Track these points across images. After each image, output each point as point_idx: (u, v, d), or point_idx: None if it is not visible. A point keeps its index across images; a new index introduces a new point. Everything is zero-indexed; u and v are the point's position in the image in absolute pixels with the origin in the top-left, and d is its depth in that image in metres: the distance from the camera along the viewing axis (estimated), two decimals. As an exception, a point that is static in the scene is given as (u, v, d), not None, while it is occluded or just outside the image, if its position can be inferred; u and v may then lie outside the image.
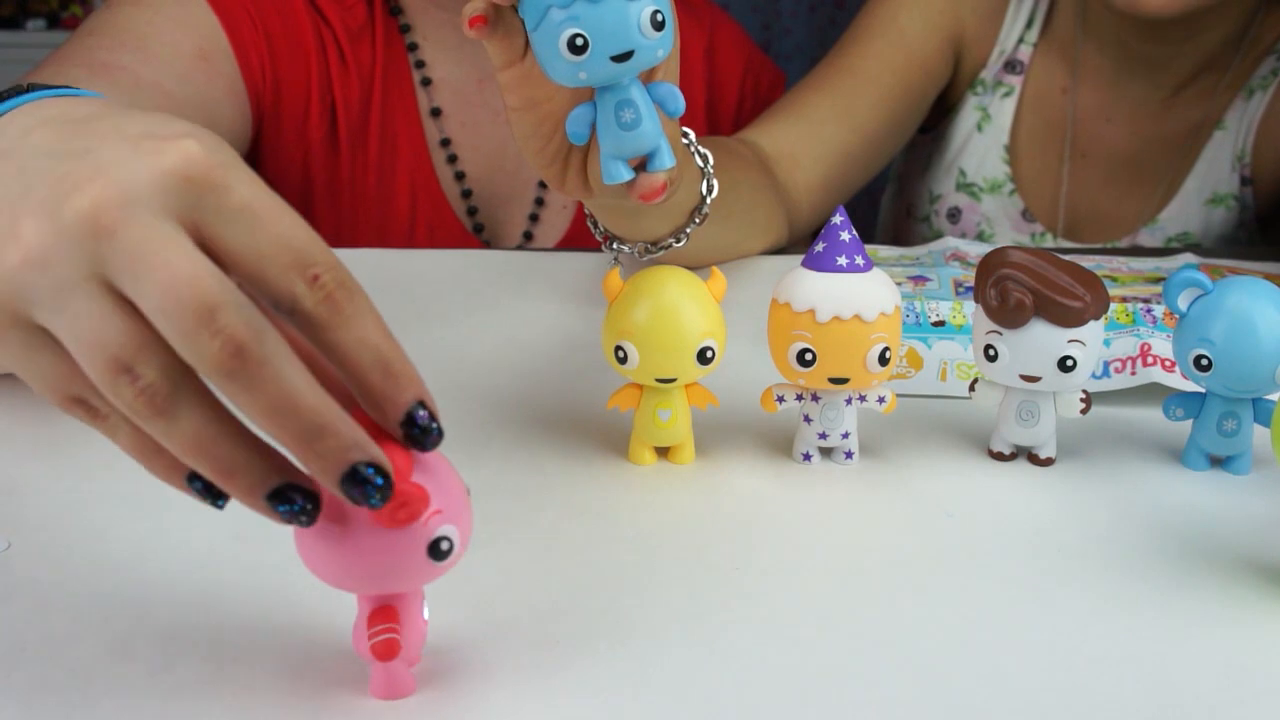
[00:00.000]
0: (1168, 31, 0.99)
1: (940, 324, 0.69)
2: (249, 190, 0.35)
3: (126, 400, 0.34)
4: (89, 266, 0.34)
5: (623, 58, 0.48)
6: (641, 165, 0.53)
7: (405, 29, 0.96)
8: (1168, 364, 0.64)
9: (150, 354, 0.34)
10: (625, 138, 0.51)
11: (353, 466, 0.34)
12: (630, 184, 0.52)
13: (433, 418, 0.36)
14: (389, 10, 0.96)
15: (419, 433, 0.36)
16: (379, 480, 0.35)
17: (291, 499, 0.35)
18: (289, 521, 0.36)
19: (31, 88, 0.45)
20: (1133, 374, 0.64)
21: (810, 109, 0.99)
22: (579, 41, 0.47)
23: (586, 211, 0.65)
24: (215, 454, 0.34)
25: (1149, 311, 0.68)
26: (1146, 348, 0.64)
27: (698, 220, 0.64)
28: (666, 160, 0.52)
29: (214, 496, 0.37)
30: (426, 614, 0.41)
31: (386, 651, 0.39)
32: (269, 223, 0.35)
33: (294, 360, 0.34)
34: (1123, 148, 1.07)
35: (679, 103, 0.52)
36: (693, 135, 0.59)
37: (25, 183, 0.36)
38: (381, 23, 0.95)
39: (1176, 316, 0.67)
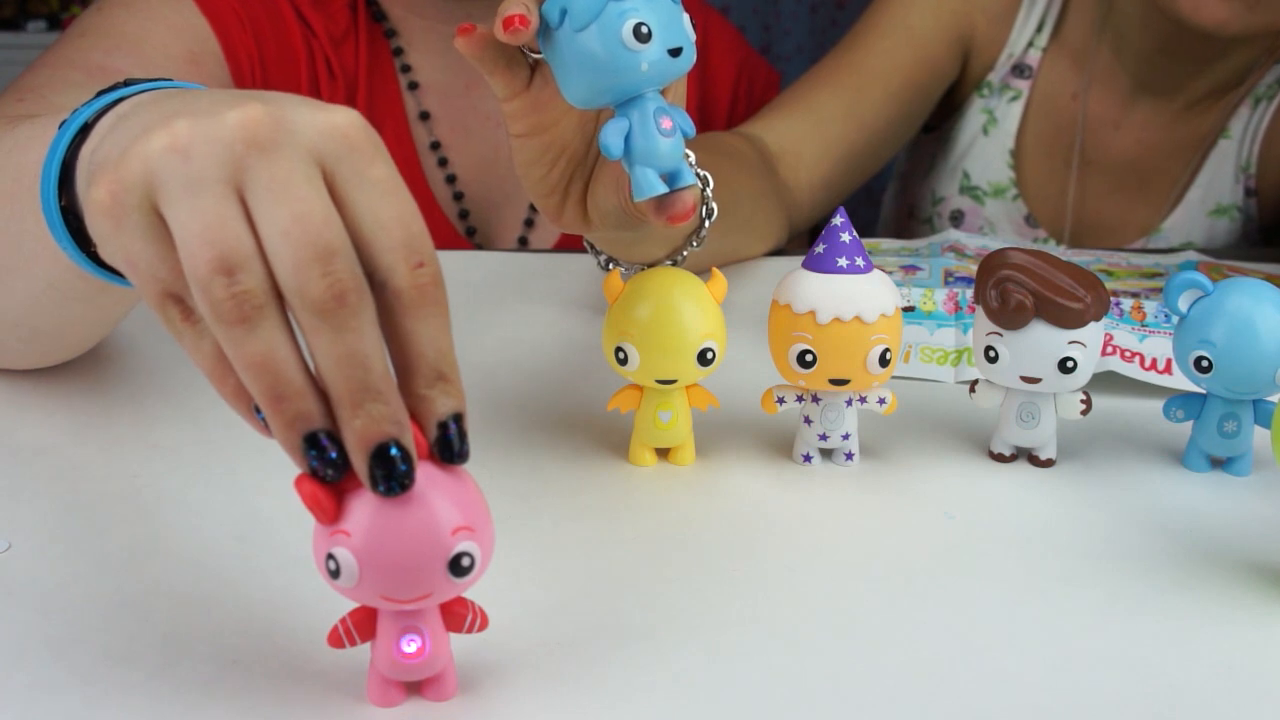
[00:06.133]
0: (1200, 50, 0.97)
1: (910, 309, 0.71)
2: (389, 170, 0.37)
3: (216, 299, 0.35)
4: (229, 170, 0.36)
5: (675, 53, 0.48)
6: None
7: (390, 34, 0.95)
8: (1128, 355, 0.65)
9: (255, 266, 0.35)
10: (665, 146, 0.49)
11: (389, 440, 0.35)
12: (658, 205, 0.51)
13: (464, 436, 0.37)
14: (372, 15, 0.95)
15: (449, 440, 0.37)
16: (402, 466, 0.35)
17: (324, 447, 0.36)
18: (315, 470, 0.36)
19: (129, 83, 0.46)
20: None
21: (816, 105, 0.99)
22: (644, 30, 0.47)
23: (585, 241, 0.64)
24: (275, 374, 0.35)
25: (1117, 304, 0.69)
26: (1109, 338, 0.66)
27: (695, 244, 0.63)
28: (689, 178, 0.51)
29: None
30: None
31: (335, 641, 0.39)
32: (396, 202, 0.37)
33: (378, 327, 0.36)
34: (1130, 155, 1.06)
35: (690, 124, 0.51)
36: (694, 157, 0.59)
37: (188, 103, 0.38)
38: (365, 27, 0.94)
39: (1144, 312, 0.68)
